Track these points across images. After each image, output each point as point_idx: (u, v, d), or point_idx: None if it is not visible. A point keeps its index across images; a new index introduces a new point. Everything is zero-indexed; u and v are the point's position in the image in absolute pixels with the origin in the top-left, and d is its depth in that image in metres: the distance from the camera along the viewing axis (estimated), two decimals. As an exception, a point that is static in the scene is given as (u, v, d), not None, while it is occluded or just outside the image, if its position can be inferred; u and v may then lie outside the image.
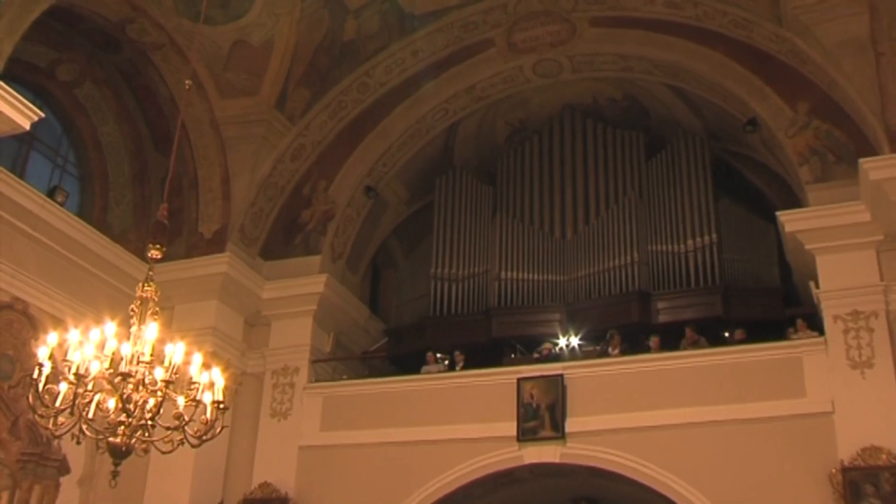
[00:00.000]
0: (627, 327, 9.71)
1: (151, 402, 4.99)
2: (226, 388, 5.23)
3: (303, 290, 10.16)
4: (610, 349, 9.26)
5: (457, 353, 9.86)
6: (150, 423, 4.99)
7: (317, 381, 10.03)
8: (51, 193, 8.69)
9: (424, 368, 9.94)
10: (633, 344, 9.47)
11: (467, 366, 9.72)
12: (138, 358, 5.03)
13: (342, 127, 10.36)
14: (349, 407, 9.64)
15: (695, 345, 8.97)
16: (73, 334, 4.93)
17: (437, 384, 9.44)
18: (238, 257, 9.90)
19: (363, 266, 11.42)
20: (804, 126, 8.56)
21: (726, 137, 10.62)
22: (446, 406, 9.20)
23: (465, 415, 9.04)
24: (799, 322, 8.56)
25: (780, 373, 8.12)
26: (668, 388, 8.49)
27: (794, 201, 9.48)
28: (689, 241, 10.09)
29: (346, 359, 10.85)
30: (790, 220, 8.66)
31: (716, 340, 9.12)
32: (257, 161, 9.92)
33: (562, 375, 8.78)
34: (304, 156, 10.27)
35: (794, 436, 7.76)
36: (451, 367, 9.90)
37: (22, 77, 8.71)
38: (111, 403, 4.97)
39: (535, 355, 9.64)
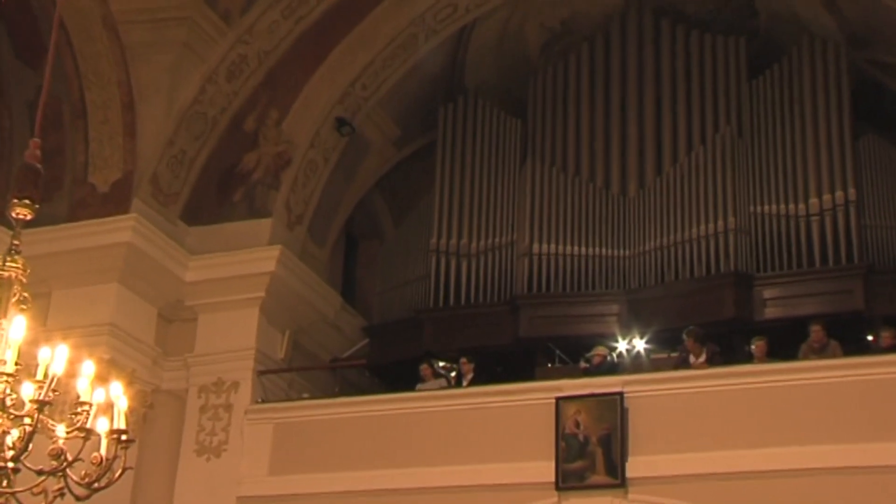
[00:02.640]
0: (718, 326, 9.68)
1: (15, 433, 4.84)
2: (130, 413, 5.22)
3: (245, 270, 10.14)
4: (692, 357, 9.13)
5: (463, 360, 9.87)
6: (11, 464, 4.82)
7: (265, 401, 9.98)
8: None
9: (421, 386, 9.86)
10: (727, 350, 9.46)
11: (481, 379, 9.71)
12: (-5, 368, 4.98)
13: (302, 31, 10.19)
14: (312, 439, 9.58)
15: (821, 352, 8.84)
16: None
17: (440, 407, 9.39)
18: (149, 221, 9.80)
19: (333, 235, 11.39)
20: None
21: (875, 43, 10.41)
22: (453, 438, 9.15)
23: (479, 451, 8.99)
24: None
25: (957, 397, 8.14)
26: (778, 417, 8.38)
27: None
28: (813, 200, 9.99)
29: (309, 369, 10.83)
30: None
31: (854, 346, 9.00)
32: (176, 80, 9.76)
33: (621, 394, 8.72)
34: (246, 73, 10.15)
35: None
36: (459, 382, 9.90)
37: None
38: (-49, 438, 4.88)
39: (583, 365, 9.64)
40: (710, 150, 10.41)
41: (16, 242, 5.19)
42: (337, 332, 11.29)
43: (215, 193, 10.40)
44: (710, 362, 9.03)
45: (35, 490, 4.95)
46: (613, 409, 8.66)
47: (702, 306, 9.74)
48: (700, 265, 9.98)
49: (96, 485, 5.00)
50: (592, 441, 8.60)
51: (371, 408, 9.62)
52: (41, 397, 4.77)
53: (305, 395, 10.29)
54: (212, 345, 10.06)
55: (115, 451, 5.04)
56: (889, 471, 7.85)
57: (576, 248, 10.48)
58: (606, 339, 9.98)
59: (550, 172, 10.82)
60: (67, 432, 4.98)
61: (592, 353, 9.62)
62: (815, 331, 8.92)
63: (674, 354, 9.49)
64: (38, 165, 5.33)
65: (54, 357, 4.88)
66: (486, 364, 10.02)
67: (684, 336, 9.19)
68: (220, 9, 9.74)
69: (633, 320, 10.06)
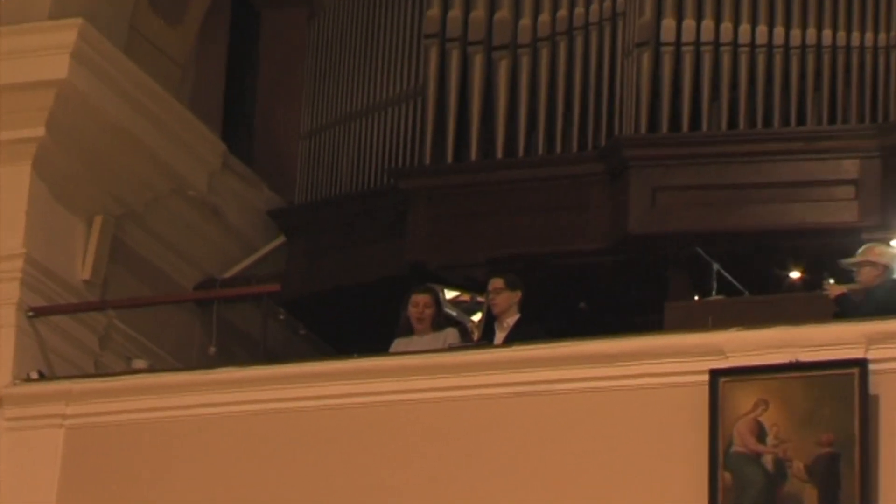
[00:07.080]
0: None
1: None
2: None
3: (4, 76, 10.50)
4: None
5: (496, 285, 9.93)
6: None
7: (46, 377, 10.24)
8: None
9: (405, 343, 9.94)
10: None
11: (538, 329, 9.75)
12: None
13: None
14: (153, 460, 9.83)
15: None
16: None
17: (450, 391, 9.53)
18: None
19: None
20: None
21: None
22: (479, 458, 9.32)
23: (541, 485, 9.13)
24: None
25: None
26: None
27: None
28: None
29: (148, 304, 11.13)
30: None
31: None
32: None
33: (863, 365, 8.72)
34: None
35: None
36: (488, 335, 9.92)
37: None
38: None
39: (771, 297, 9.92)
40: None
41: None
42: (214, 221, 11.41)
43: None
44: None
45: None
46: (846, 397, 8.72)
47: None
48: None
49: None
50: (796, 468, 8.64)
51: (291, 392, 9.73)
52: None
53: (139, 362, 10.52)
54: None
55: None
56: None
57: (760, 27, 10.44)
58: (830, 237, 9.92)
59: None
60: None
61: (789, 271, 10.05)
62: None
63: None
64: None
65: None
66: (551, 295, 10.12)
67: None
68: None
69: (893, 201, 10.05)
